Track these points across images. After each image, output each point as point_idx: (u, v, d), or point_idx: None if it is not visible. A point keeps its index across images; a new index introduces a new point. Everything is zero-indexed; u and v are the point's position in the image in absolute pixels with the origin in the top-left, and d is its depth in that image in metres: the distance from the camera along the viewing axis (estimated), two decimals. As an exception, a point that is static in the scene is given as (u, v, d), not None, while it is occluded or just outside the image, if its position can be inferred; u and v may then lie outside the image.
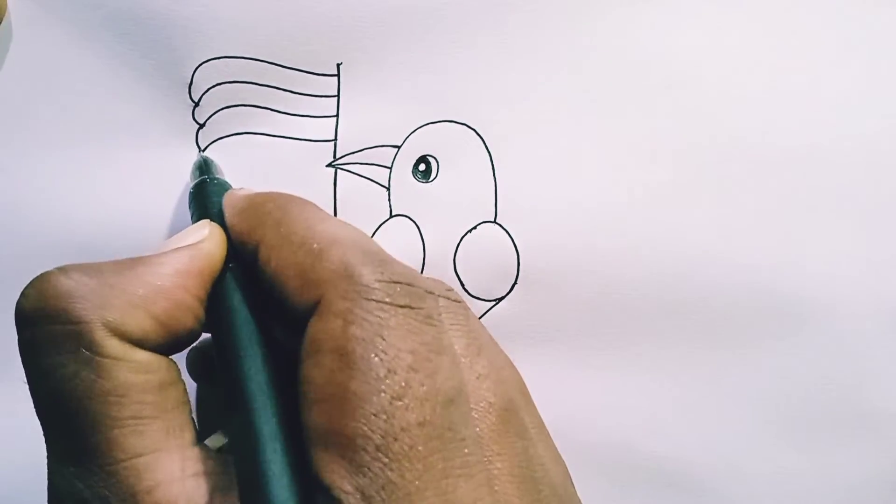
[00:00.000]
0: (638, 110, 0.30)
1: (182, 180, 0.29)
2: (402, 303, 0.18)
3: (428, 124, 0.30)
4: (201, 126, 0.30)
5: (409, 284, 0.18)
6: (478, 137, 0.30)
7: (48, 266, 0.19)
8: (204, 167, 0.27)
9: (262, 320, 0.20)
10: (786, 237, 0.29)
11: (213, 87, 0.30)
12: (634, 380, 0.29)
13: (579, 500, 0.22)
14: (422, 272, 0.30)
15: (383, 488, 0.16)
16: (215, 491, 0.17)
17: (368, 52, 0.30)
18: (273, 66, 0.30)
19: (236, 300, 0.20)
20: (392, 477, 0.16)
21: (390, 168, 0.30)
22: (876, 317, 0.29)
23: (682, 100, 0.30)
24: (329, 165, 0.30)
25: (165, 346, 0.19)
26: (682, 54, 0.30)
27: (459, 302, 0.22)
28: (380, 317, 0.17)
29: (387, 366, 0.17)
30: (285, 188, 0.30)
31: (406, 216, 0.30)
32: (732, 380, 0.29)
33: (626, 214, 0.30)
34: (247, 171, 0.30)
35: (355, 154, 0.30)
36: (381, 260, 0.19)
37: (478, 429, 0.19)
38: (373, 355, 0.17)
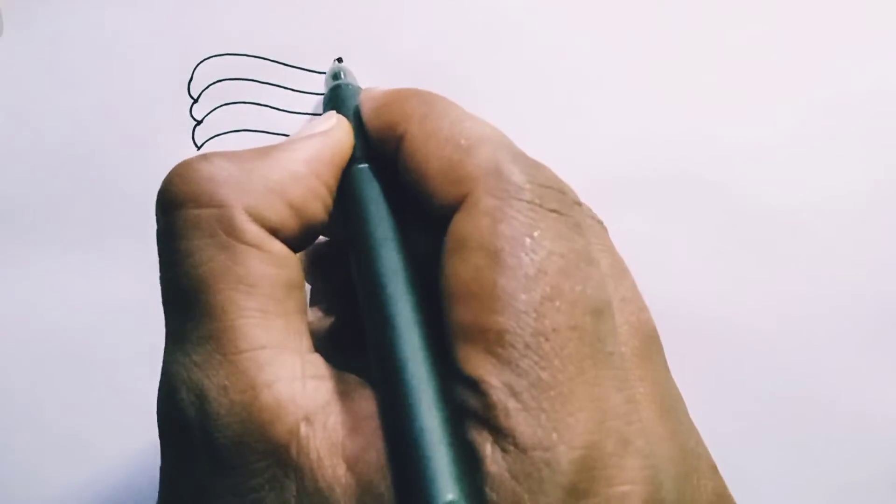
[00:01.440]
0: (640, 109, 0.30)
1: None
2: (552, 207, 0.17)
3: (429, 123, 0.30)
4: (199, 123, 0.30)
5: (559, 191, 0.18)
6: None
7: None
8: (338, 74, 0.26)
9: (398, 216, 0.19)
10: (783, 238, 0.29)
11: (213, 83, 0.30)
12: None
13: (705, 447, 0.21)
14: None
15: (533, 386, 0.15)
16: (333, 394, 0.17)
17: (367, 50, 0.30)
18: (272, 63, 0.30)
19: (374, 191, 0.19)
20: (543, 375, 0.15)
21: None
22: (873, 317, 0.29)
23: (685, 98, 0.30)
24: (329, 164, 0.30)
25: (296, 238, 0.19)
26: (686, 52, 0.30)
27: (601, 223, 0.21)
28: (531, 217, 0.17)
29: (537, 266, 0.16)
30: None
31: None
32: (729, 379, 0.29)
33: (628, 214, 0.29)
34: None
35: (355, 152, 0.30)
36: (532, 163, 0.18)
37: (623, 348, 0.18)
38: (523, 254, 0.16)
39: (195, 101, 0.30)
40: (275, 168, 0.19)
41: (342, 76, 0.26)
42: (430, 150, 0.18)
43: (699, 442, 0.20)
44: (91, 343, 0.29)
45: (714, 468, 0.20)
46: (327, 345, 0.23)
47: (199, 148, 0.30)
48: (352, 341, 0.21)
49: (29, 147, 0.30)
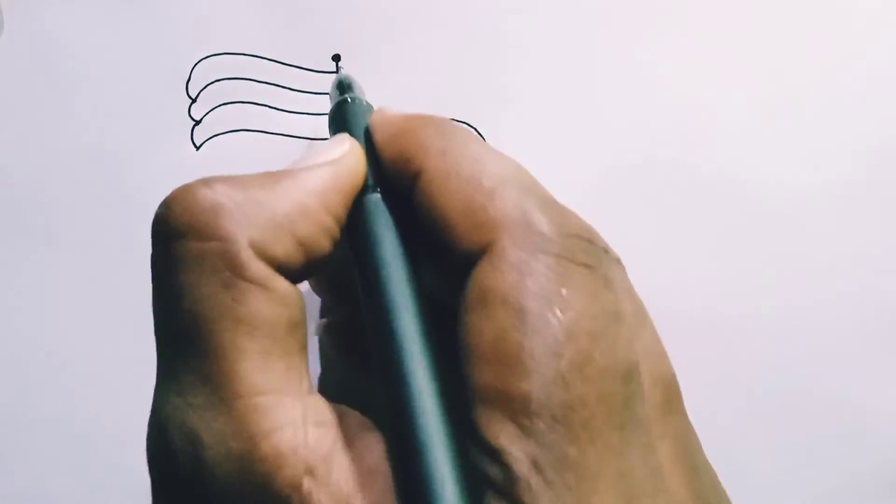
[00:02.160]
0: (640, 109, 0.30)
1: (178, 178, 0.29)
2: (581, 260, 0.17)
3: (428, 122, 0.30)
4: (197, 123, 0.30)
5: (588, 241, 0.17)
6: (477, 136, 0.30)
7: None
8: (344, 86, 0.25)
9: (410, 253, 0.18)
10: (785, 239, 0.29)
11: (211, 83, 0.30)
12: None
13: (726, 495, 0.20)
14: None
15: (559, 461, 0.14)
16: (337, 442, 0.16)
17: (366, 49, 0.30)
18: (271, 62, 0.30)
19: (386, 226, 0.18)
20: (569, 451, 0.14)
21: (390, 166, 0.30)
22: (873, 315, 0.29)
23: (684, 98, 0.30)
24: (328, 163, 0.30)
25: (300, 272, 0.18)
26: (685, 52, 0.30)
27: (619, 260, 0.20)
28: (560, 273, 0.16)
29: (566, 328, 0.15)
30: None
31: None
32: (731, 380, 0.29)
33: (628, 214, 0.29)
34: (243, 169, 0.30)
35: (354, 152, 0.30)
36: (560, 209, 0.17)
37: (647, 407, 0.17)
38: (551, 315, 0.15)
39: (193, 100, 0.30)
40: (284, 199, 0.18)
41: (349, 88, 0.25)
42: (450, 190, 0.17)
43: (721, 495, 0.19)
44: (91, 343, 0.29)
45: None
46: (339, 353, 0.22)
47: (197, 148, 0.30)
48: (364, 348, 0.20)
49: (28, 147, 0.30)
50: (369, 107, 0.23)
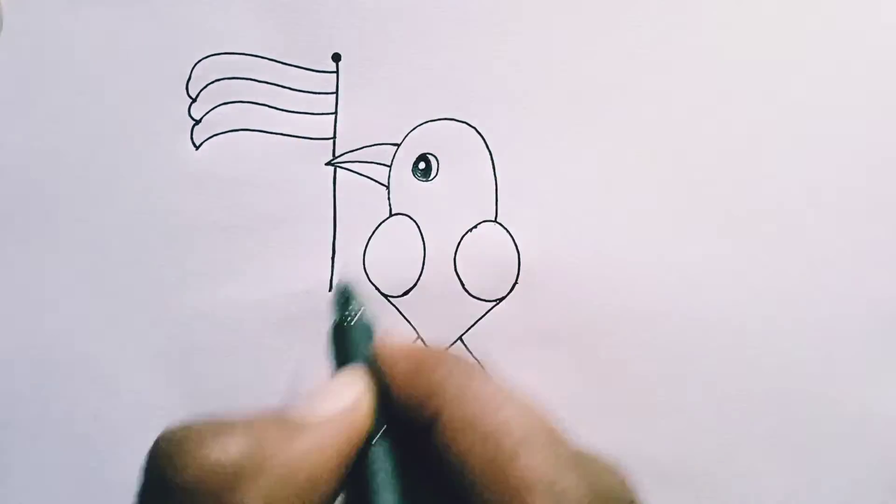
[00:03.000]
0: (640, 109, 0.30)
1: (177, 178, 0.29)
2: None
3: (428, 122, 0.30)
4: (197, 122, 0.30)
5: (614, 498, 0.17)
6: (478, 136, 0.30)
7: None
8: (346, 298, 0.23)
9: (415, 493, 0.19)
10: (785, 238, 0.29)
11: (212, 83, 0.30)
12: (634, 380, 0.29)
13: None
14: (421, 271, 0.29)
15: None
16: None
17: (367, 49, 0.30)
18: (271, 62, 0.30)
19: (387, 479, 0.19)
20: None
21: (390, 166, 0.30)
22: (871, 319, 0.29)
23: (684, 98, 0.30)
24: (328, 163, 0.30)
25: None
26: (685, 51, 0.30)
27: (636, 500, 0.20)
28: None
29: None
30: (284, 186, 0.30)
31: (406, 215, 0.30)
32: (731, 381, 0.29)
33: (628, 213, 0.29)
34: (244, 170, 0.30)
35: (355, 152, 0.30)
36: (582, 466, 0.17)
37: None
38: None
39: (194, 100, 0.30)
40: (300, 459, 0.17)
41: (351, 301, 0.23)
42: (468, 443, 0.17)
43: None
44: (91, 342, 0.29)
45: None
46: None
47: (197, 148, 0.30)
48: None
49: (28, 146, 0.30)
50: (371, 326, 0.23)
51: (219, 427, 0.17)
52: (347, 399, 0.19)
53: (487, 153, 0.30)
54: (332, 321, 0.23)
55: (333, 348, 0.22)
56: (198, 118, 0.30)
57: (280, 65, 0.30)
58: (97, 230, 0.30)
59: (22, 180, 0.30)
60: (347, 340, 0.22)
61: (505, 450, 0.17)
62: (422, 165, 0.30)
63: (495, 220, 0.30)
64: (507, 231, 0.30)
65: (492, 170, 0.30)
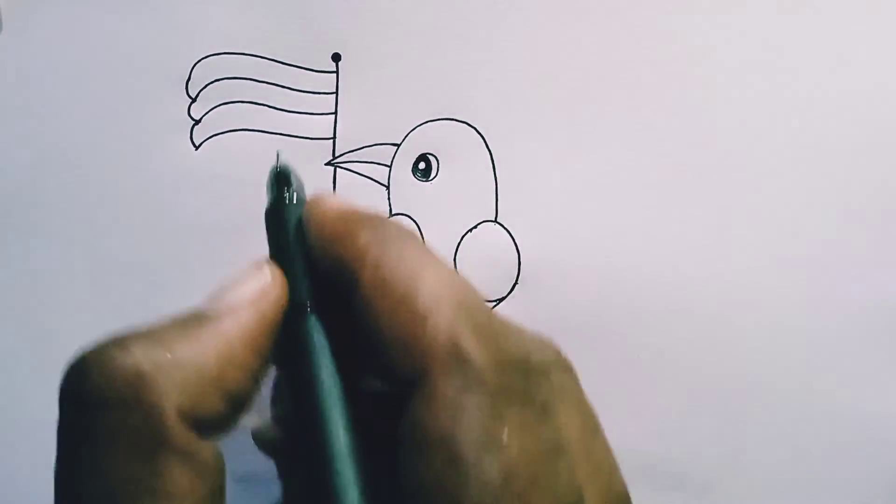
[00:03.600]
0: (640, 109, 0.30)
1: (176, 177, 0.29)
2: (517, 389, 0.16)
3: (428, 122, 0.30)
4: (197, 122, 0.30)
5: (524, 363, 0.17)
6: (478, 136, 0.30)
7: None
8: (280, 180, 0.22)
9: (346, 363, 0.18)
10: (784, 238, 0.29)
11: (211, 83, 0.30)
12: (636, 380, 0.29)
13: None
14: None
15: None
16: None
17: (367, 49, 0.30)
18: (271, 62, 0.30)
19: (321, 349, 0.18)
20: None
21: (390, 166, 0.30)
22: (873, 319, 0.29)
23: (685, 98, 0.30)
24: (328, 164, 0.30)
25: (228, 423, 0.17)
26: (685, 51, 0.30)
27: (569, 368, 0.20)
28: (495, 410, 0.16)
29: (504, 473, 0.15)
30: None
31: (406, 215, 0.30)
32: (732, 380, 0.29)
33: (629, 213, 0.29)
34: (244, 170, 0.30)
35: (354, 152, 0.30)
36: (493, 332, 0.17)
37: None
38: (487, 462, 0.15)
39: (193, 100, 0.30)
40: (209, 354, 0.17)
41: (286, 181, 0.22)
42: (383, 309, 0.17)
43: None
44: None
45: None
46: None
47: (197, 148, 0.30)
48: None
49: (28, 146, 0.30)
50: (303, 202, 0.22)
51: (121, 337, 0.17)
52: (253, 286, 0.18)
53: (487, 153, 0.30)
54: (267, 204, 0.22)
55: (270, 229, 0.21)
56: (198, 118, 0.30)
57: (280, 65, 0.30)
58: (97, 230, 0.30)
59: (22, 180, 0.30)
60: (280, 223, 0.21)
61: (417, 314, 0.17)
62: (422, 165, 0.30)
63: (495, 220, 0.30)
64: (508, 231, 0.30)
65: (492, 170, 0.30)
